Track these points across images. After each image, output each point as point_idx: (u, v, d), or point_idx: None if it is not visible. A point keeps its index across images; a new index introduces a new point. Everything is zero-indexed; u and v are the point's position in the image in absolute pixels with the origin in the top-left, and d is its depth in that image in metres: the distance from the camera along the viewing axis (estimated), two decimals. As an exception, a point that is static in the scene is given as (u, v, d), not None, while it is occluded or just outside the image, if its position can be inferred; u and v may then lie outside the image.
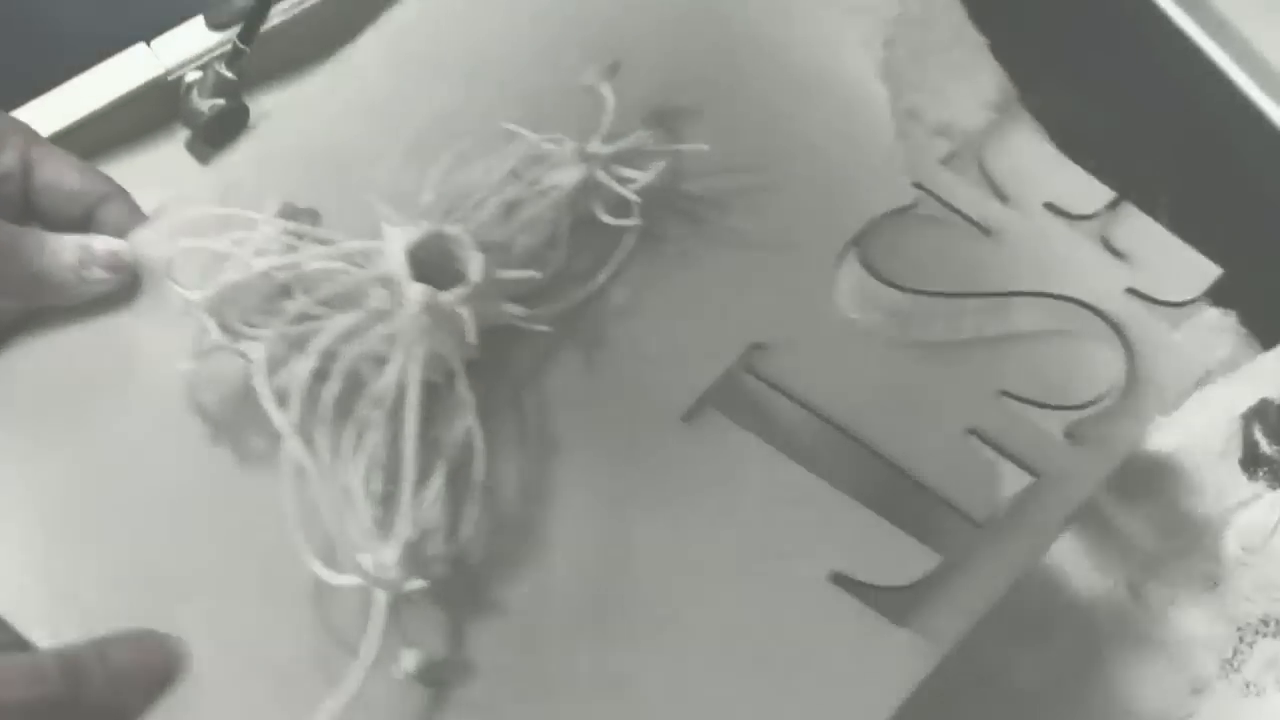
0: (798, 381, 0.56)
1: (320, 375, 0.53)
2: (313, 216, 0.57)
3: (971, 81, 0.61)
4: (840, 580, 0.52)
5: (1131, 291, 0.58)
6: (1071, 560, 0.70)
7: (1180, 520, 0.70)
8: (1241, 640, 0.68)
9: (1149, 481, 0.71)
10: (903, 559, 0.52)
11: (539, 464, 0.55)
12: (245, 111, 0.74)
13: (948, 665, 0.53)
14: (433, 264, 0.55)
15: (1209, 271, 0.58)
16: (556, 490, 0.54)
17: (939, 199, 0.59)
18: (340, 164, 0.58)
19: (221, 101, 0.73)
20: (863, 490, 0.54)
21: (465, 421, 0.54)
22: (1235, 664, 0.68)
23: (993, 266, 0.58)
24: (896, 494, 0.54)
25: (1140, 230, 0.59)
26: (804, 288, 0.57)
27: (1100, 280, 0.58)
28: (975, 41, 0.62)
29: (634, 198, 0.57)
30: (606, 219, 0.58)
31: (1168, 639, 0.68)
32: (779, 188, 0.59)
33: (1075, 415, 0.56)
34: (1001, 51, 0.77)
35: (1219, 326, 0.57)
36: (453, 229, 0.54)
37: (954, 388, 0.56)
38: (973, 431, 0.55)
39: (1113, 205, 0.59)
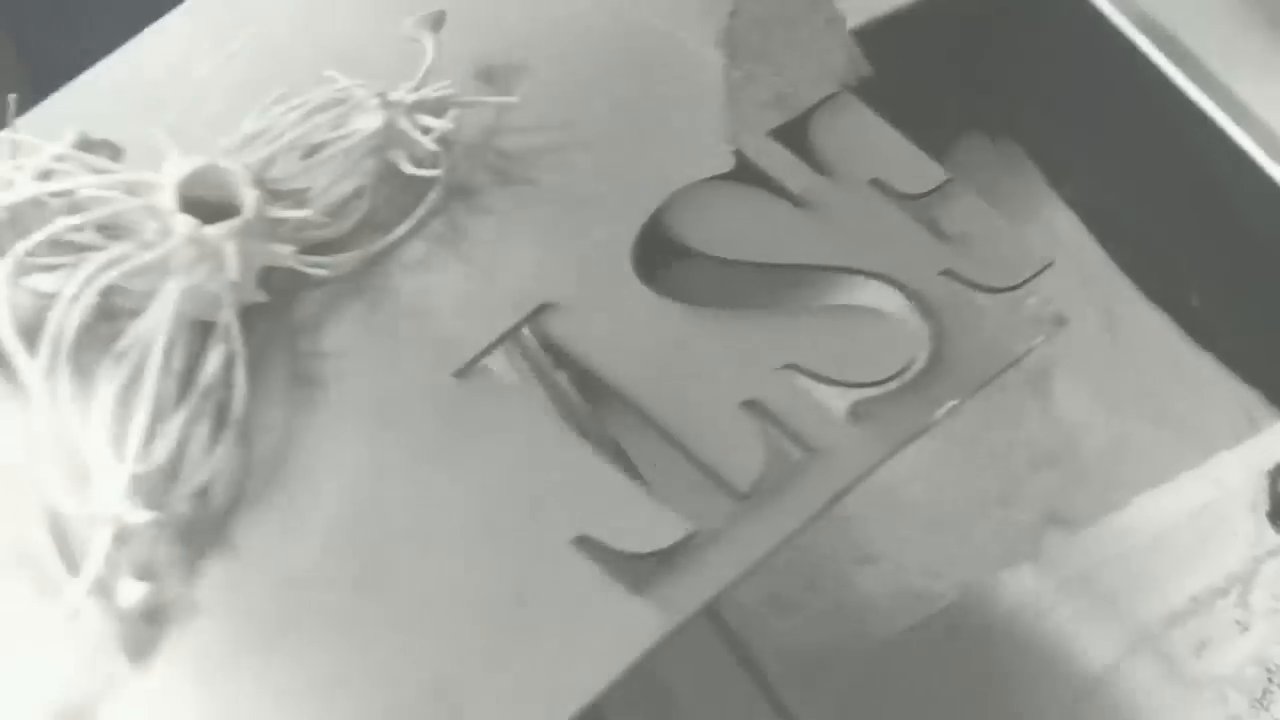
0: (580, 343, 0.54)
1: (86, 304, 0.52)
2: (112, 150, 0.56)
3: (817, 56, 0.59)
4: (584, 544, 0.50)
5: (948, 273, 0.55)
6: (1108, 601, 0.71)
7: (1213, 568, 0.72)
8: (1270, 681, 0.70)
9: (1182, 530, 0.72)
10: (655, 526, 0.50)
11: (305, 412, 0.53)
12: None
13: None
14: (214, 201, 0.54)
15: (1036, 260, 0.56)
16: (319, 439, 0.53)
17: (756, 168, 0.57)
18: (155, 103, 0.58)
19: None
20: (630, 455, 0.52)
21: (223, 359, 0.52)
22: (1265, 703, 0.70)
23: (804, 239, 0.56)
24: (664, 461, 0.52)
25: (970, 213, 0.57)
26: (602, 249, 0.56)
27: (917, 259, 0.56)
28: (830, 16, 0.59)
29: (433, 146, 0.56)
30: (408, 168, 0.56)
31: (1200, 679, 0.70)
32: (595, 147, 0.58)
33: (865, 393, 0.53)
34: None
35: (1037, 317, 0.54)
36: (229, 164, 0.53)
37: (740, 357, 0.54)
38: (750, 403, 0.52)
39: (944, 186, 0.56)
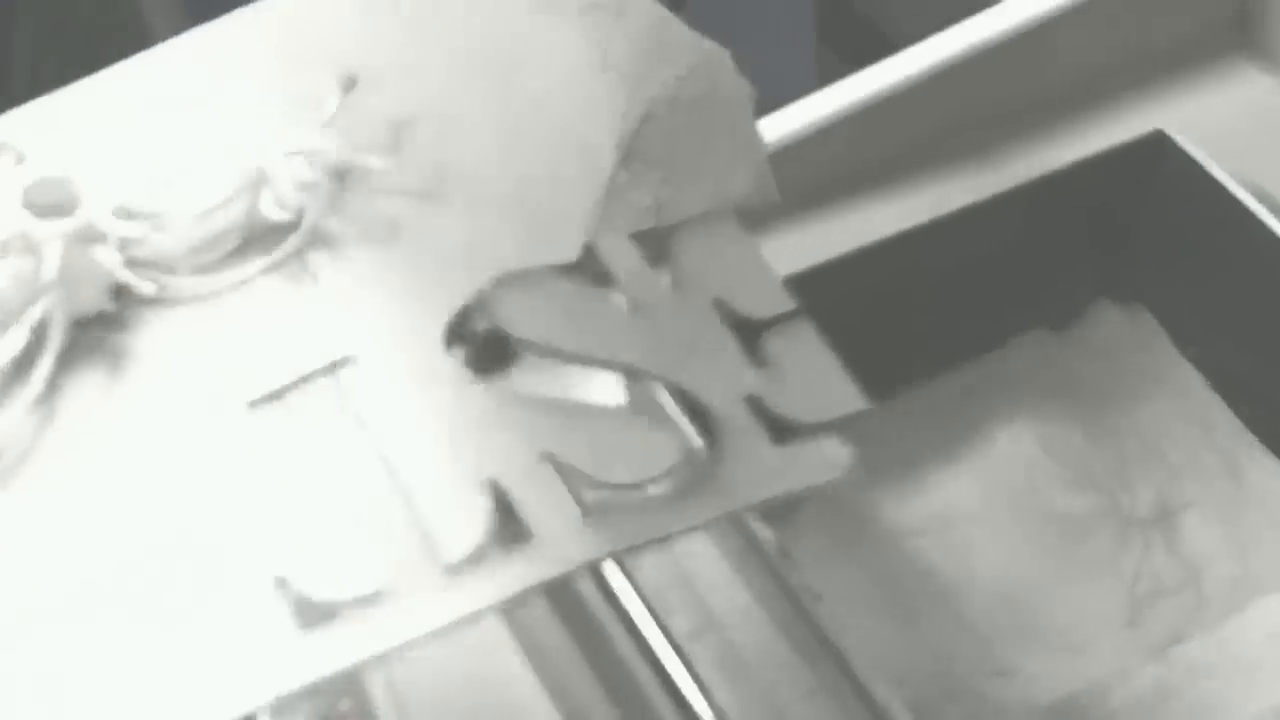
0: (359, 393, 0.55)
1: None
2: (17, 155, 0.60)
3: (715, 173, 0.58)
4: (281, 585, 0.51)
5: (752, 399, 0.54)
6: (1221, 694, 0.76)
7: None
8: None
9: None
10: (341, 578, 0.50)
11: (107, 414, 0.55)
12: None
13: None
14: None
15: (850, 403, 0.54)
16: (109, 444, 0.55)
17: (601, 265, 0.56)
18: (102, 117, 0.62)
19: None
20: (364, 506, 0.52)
21: (25, 344, 0.55)
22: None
23: (623, 341, 0.55)
24: (390, 516, 0.52)
25: (802, 348, 0.55)
26: (424, 317, 0.56)
27: (725, 380, 0.54)
28: (749, 140, 0.59)
29: (292, 193, 0.58)
30: (272, 212, 0.58)
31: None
32: (468, 219, 0.59)
33: (609, 493, 0.52)
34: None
35: (828, 460, 0.52)
36: (72, 178, 0.56)
37: (501, 437, 0.53)
38: (492, 482, 0.52)
39: (786, 317, 0.55)
